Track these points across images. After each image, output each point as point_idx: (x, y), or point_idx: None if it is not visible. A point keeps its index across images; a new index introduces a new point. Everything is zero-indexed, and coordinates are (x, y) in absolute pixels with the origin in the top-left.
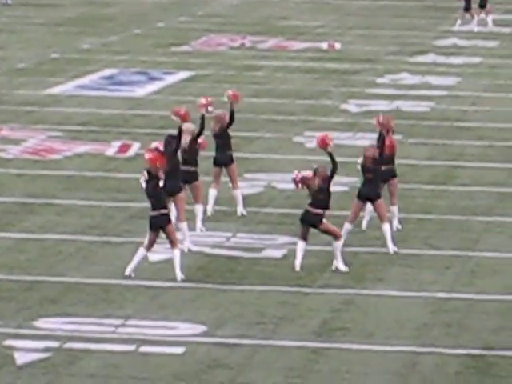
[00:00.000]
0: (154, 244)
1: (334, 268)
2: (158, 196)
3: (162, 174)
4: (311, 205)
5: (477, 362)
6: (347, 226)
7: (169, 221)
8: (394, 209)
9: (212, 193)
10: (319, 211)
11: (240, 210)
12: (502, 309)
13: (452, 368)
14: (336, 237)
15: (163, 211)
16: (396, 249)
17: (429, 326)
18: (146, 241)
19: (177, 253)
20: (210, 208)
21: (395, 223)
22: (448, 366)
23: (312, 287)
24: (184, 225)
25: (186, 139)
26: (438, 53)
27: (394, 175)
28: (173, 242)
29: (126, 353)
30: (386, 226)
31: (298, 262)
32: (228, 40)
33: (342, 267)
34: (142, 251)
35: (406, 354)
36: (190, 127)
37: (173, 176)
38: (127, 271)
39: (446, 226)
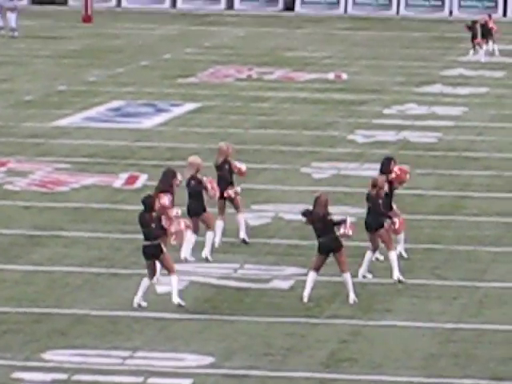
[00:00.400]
0: (154, 272)
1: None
2: (151, 227)
3: (156, 207)
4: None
5: None
6: (368, 254)
7: (161, 251)
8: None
9: (219, 224)
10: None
11: (242, 235)
12: (511, 339)
13: None
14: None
15: (155, 242)
16: (401, 277)
17: (436, 357)
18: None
19: (173, 279)
20: (217, 240)
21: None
22: None
23: (320, 318)
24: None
25: (190, 172)
26: (444, 83)
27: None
28: (168, 270)
29: None
30: (393, 254)
31: (306, 293)
32: (235, 71)
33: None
34: (144, 281)
35: None
36: (195, 161)
37: (195, 198)
38: (135, 303)
39: (454, 256)
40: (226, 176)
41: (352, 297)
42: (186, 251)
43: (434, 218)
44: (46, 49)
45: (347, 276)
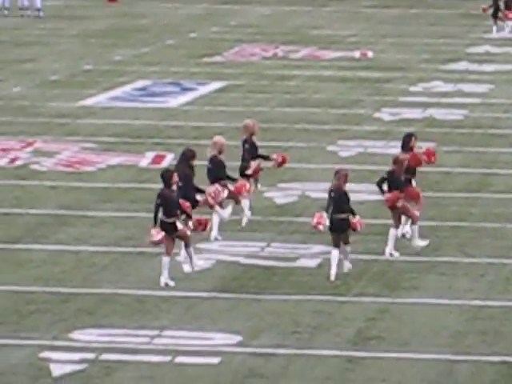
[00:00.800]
0: (170, 248)
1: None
2: (170, 204)
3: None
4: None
5: None
6: (392, 231)
7: (175, 229)
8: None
9: (244, 203)
10: (344, 216)
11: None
12: None
13: (488, 376)
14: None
15: (170, 220)
16: (395, 253)
17: (464, 334)
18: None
19: (189, 250)
20: (245, 217)
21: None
22: (484, 374)
23: (347, 296)
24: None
25: (213, 152)
26: (470, 60)
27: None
28: (184, 241)
29: (162, 364)
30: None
31: (333, 271)
32: (260, 50)
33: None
34: (163, 260)
35: (442, 362)
36: (219, 141)
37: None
38: (162, 282)
39: (480, 233)
40: (250, 152)
41: (347, 265)
42: (215, 231)
43: (461, 196)
44: (71, 28)
45: (346, 247)
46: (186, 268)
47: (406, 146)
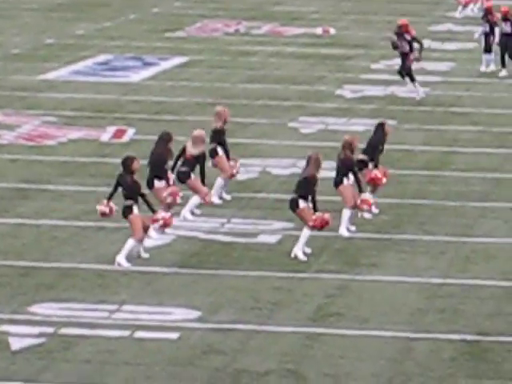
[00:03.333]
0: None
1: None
2: (127, 189)
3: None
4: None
5: (471, 347)
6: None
7: (130, 212)
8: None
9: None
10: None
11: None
12: (497, 294)
13: (447, 353)
14: (307, 225)
15: (127, 203)
16: (346, 234)
17: (423, 312)
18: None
19: (129, 241)
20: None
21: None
22: (443, 352)
23: (307, 272)
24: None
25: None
26: (433, 38)
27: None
28: (132, 231)
29: (121, 338)
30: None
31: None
32: (223, 25)
33: (300, 254)
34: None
35: (401, 340)
36: (199, 135)
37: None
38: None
39: (441, 211)
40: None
41: (296, 252)
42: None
43: (422, 174)
44: (33, 2)
45: (305, 232)
46: (146, 243)
47: (379, 132)
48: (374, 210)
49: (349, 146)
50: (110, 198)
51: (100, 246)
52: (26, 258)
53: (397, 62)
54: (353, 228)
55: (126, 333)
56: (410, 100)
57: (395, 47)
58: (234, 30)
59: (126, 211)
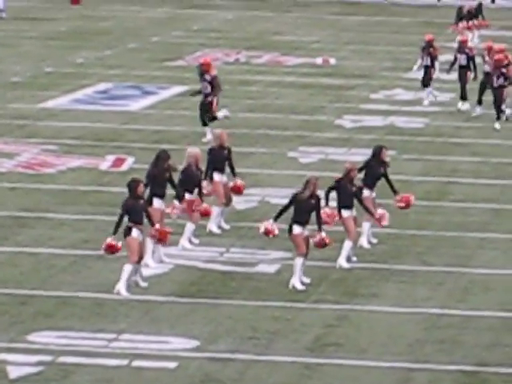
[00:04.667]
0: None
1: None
2: (134, 214)
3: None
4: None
5: (470, 378)
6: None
7: (128, 234)
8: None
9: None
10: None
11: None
12: (496, 325)
13: (447, 381)
14: (298, 252)
15: (128, 225)
16: (345, 265)
17: (422, 342)
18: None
19: (126, 267)
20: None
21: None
22: (441, 383)
23: (305, 302)
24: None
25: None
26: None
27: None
28: (128, 255)
29: (119, 367)
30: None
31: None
32: (222, 55)
33: (298, 284)
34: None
35: (400, 370)
36: (193, 152)
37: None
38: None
39: (440, 242)
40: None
41: (294, 282)
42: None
43: (421, 204)
44: (33, 30)
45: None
46: (145, 272)
47: (377, 157)
48: (373, 240)
49: (347, 174)
50: (115, 231)
51: (99, 274)
52: (25, 287)
53: (396, 92)
54: (354, 258)
55: (124, 362)
56: (409, 130)
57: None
58: (234, 60)
59: (126, 232)
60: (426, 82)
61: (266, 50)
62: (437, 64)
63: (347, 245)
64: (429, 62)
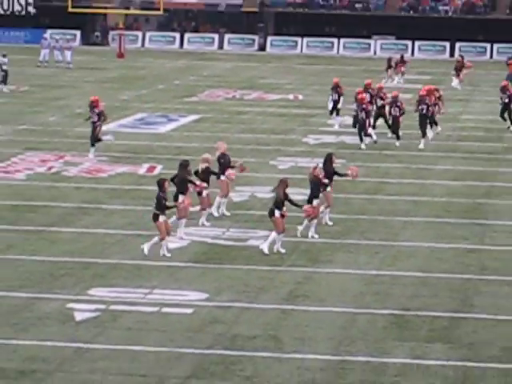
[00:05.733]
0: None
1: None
2: (159, 203)
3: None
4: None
5: (397, 319)
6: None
7: (157, 219)
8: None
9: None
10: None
11: (214, 211)
12: (415, 282)
13: (380, 323)
14: (276, 230)
15: (156, 212)
16: (315, 235)
17: (363, 294)
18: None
19: (156, 238)
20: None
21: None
22: (377, 322)
23: (282, 266)
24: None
25: (202, 166)
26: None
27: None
28: (160, 233)
29: (152, 313)
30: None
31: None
32: (224, 93)
33: (265, 249)
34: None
35: (348, 314)
36: (206, 157)
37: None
38: (160, 253)
39: (376, 223)
40: (225, 164)
41: (263, 247)
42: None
43: (363, 197)
44: (91, 76)
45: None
46: (170, 245)
47: (328, 162)
48: (329, 222)
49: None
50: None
51: (138, 248)
52: (86, 256)
53: (345, 118)
54: (316, 236)
55: (156, 309)
56: (354, 146)
57: None
58: (232, 96)
59: (155, 217)
60: (337, 111)
61: (254, 89)
62: (341, 99)
63: (313, 223)
64: (337, 98)
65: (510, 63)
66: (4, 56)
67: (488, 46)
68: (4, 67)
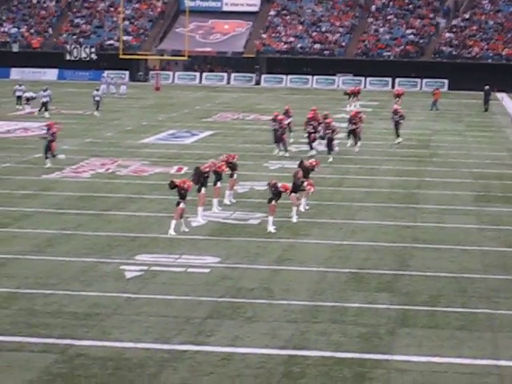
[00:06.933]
0: (178, 215)
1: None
2: (181, 194)
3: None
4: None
5: (355, 275)
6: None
7: (177, 204)
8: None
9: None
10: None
11: (225, 200)
12: (368, 249)
13: (343, 279)
14: (270, 214)
15: (178, 201)
16: (295, 220)
17: (331, 258)
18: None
19: (172, 222)
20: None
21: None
22: (341, 278)
23: (273, 239)
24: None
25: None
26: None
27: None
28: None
29: (181, 272)
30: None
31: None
32: (231, 115)
33: (271, 229)
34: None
35: (321, 272)
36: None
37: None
38: (181, 230)
39: (339, 208)
40: (233, 167)
41: (270, 229)
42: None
43: (330, 189)
44: (136, 104)
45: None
46: (193, 223)
47: (301, 166)
48: (307, 207)
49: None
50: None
51: (169, 226)
52: (133, 232)
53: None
54: (296, 217)
55: (183, 269)
56: (322, 153)
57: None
58: (236, 117)
59: (177, 204)
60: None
61: (252, 112)
62: (290, 120)
63: (293, 209)
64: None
65: (435, 93)
66: (44, 90)
67: (419, 80)
68: (43, 99)
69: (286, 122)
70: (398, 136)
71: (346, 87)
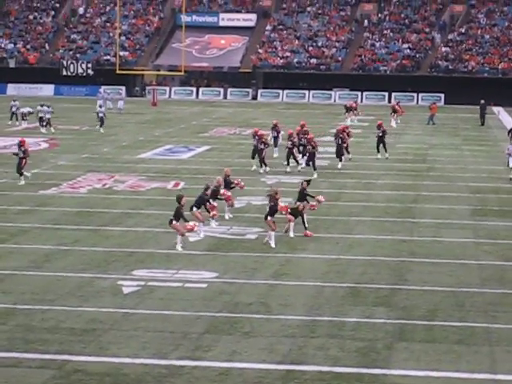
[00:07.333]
0: (179, 231)
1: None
2: (176, 215)
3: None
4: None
5: (352, 290)
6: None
7: (170, 222)
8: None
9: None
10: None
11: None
12: (365, 263)
13: (340, 293)
14: (270, 230)
15: (171, 218)
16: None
17: (328, 272)
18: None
19: (178, 238)
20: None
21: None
22: (338, 292)
23: (270, 253)
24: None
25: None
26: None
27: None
28: (178, 231)
29: (178, 287)
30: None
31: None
32: (228, 130)
33: (272, 244)
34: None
35: (317, 287)
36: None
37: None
38: (178, 248)
39: (337, 222)
40: (228, 184)
41: (271, 243)
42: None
43: (327, 203)
44: (133, 119)
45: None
46: (190, 239)
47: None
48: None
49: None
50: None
51: (168, 241)
52: (130, 247)
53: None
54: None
55: (180, 284)
56: (320, 168)
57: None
58: (233, 132)
59: (170, 222)
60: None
61: (249, 127)
62: (280, 135)
63: (291, 225)
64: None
65: (432, 107)
66: (42, 106)
67: (415, 95)
68: (40, 115)
69: (270, 137)
70: (378, 151)
71: (345, 101)
